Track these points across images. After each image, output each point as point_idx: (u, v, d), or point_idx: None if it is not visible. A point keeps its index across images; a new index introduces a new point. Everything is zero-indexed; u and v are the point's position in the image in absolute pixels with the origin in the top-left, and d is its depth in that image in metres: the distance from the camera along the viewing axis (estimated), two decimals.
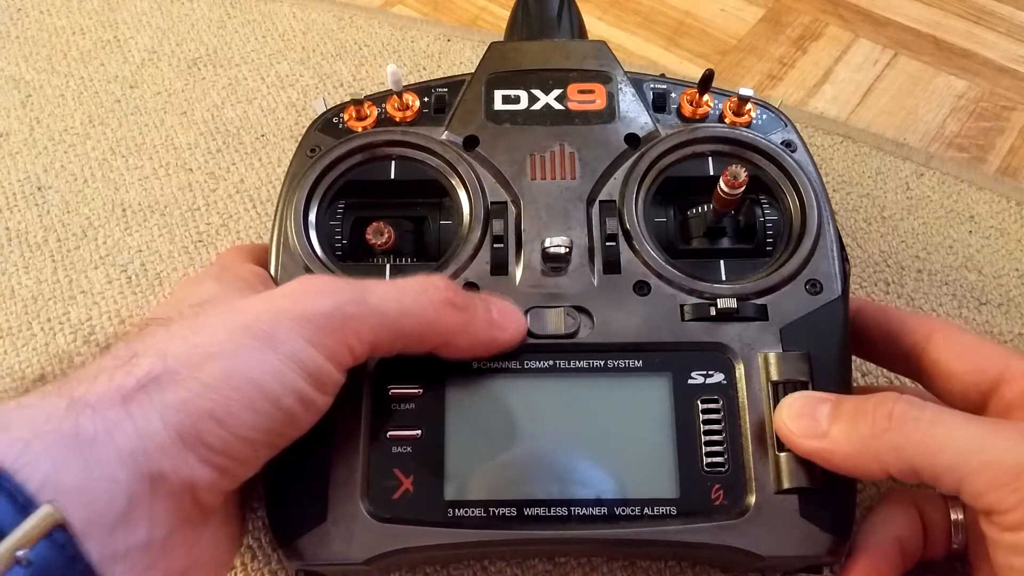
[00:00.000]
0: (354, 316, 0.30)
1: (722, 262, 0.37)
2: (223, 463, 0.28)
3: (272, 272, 0.37)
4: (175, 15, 0.62)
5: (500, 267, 0.36)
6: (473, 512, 0.32)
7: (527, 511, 0.32)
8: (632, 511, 0.33)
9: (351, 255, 0.38)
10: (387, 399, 0.34)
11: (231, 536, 0.33)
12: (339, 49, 0.60)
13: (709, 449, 0.33)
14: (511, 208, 0.38)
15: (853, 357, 0.36)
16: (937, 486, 0.29)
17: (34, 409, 0.26)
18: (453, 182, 0.38)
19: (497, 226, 0.37)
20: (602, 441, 0.34)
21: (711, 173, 0.39)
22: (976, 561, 0.34)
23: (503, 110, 0.40)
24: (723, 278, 0.37)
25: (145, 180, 0.52)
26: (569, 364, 0.35)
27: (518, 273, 0.36)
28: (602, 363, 0.35)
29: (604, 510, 0.33)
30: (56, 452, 0.24)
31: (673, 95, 0.41)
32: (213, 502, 0.29)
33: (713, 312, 0.35)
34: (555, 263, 0.36)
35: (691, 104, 0.40)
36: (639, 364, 0.35)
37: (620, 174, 0.38)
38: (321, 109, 0.41)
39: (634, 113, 0.40)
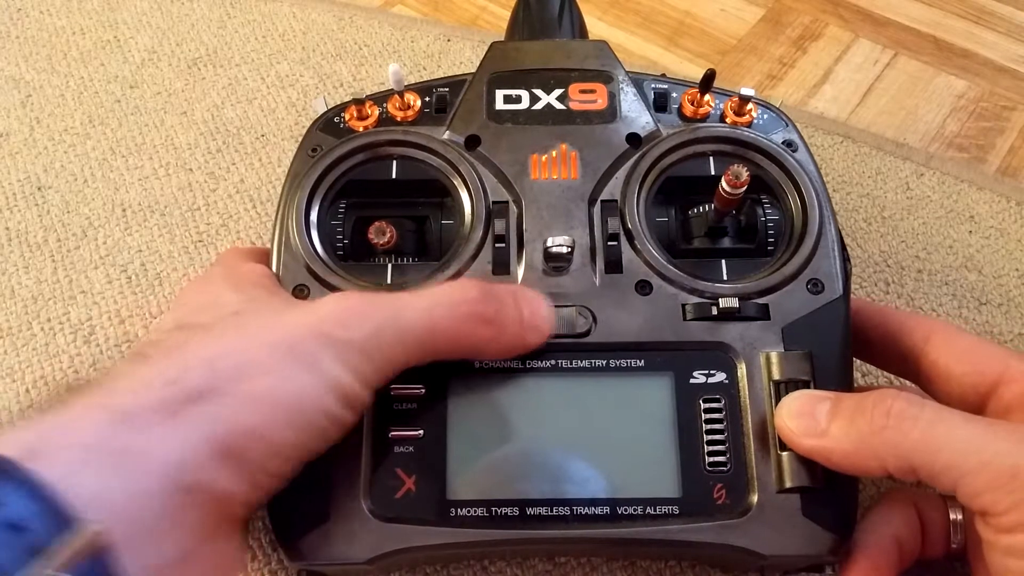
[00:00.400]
0: (390, 343, 0.31)
1: (724, 262, 0.37)
2: (258, 477, 0.28)
3: (274, 271, 0.37)
4: (175, 15, 0.62)
5: (502, 267, 0.36)
6: (475, 512, 0.32)
7: (529, 511, 0.33)
8: (634, 510, 0.33)
9: (352, 255, 0.38)
10: (389, 398, 0.34)
11: (242, 550, 0.33)
12: (339, 49, 0.60)
13: (711, 448, 0.33)
14: (513, 208, 0.38)
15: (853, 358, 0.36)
16: (935, 485, 0.29)
17: (78, 422, 0.26)
18: (455, 182, 0.38)
19: (499, 226, 0.37)
20: (604, 441, 0.34)
21: (712, 173, 0.39)
22: (975, 561, 0.34)
23: (504, 110, 0.40)
24: (725, 278, 0.37)
25: (145, 180, 0.52)
26: (571, 364, 0.35)
27: (520, 273, 0.36)
28: (604, 363, 0.35)
29: (606, 509, 0.33)
30: (103, 469, 0.24)
31: (674, 95, 0.41)
32: (242, 515, 0.29)
33: (715, 312, 0.35)
34: (557, 263, 0.36)
35: (692, 104, 0.40)
36: (641, 364, 0.35)
37: (622, 174, 0.38)
38: (322, 109, 0.41)
39: (635, 113, 0.40)
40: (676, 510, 0.33)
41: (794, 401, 0.32)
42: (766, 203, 0.39)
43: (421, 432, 0.34)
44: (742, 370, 0.34)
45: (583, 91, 0.40)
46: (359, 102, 0.40)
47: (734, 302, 0.35)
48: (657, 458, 0.33)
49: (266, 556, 0.39)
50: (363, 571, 0.33)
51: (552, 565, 0.38)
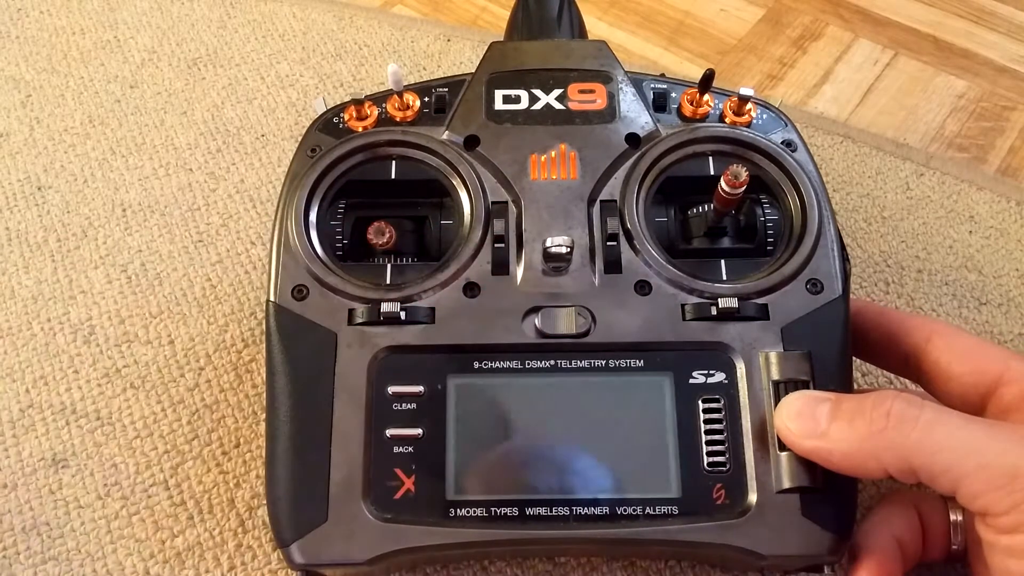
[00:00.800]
0: None
1: (723, 262, 0.37)
2: None
3: (272, 272, 0.37)
4: (175, 15, 0.62)
5: (501, 267, 0.36)
6: (475, 512, 0.32)
7: (529, 510, 0.33)
8: (633, 510, 0.33)
9: (352, 255, 0.38)
10: (388, 399, 0.34)
11: None
12: (339, 49, 0.60)
13: (710, 448, 0.33)
14: (512, 208, 0.38)
15: (853, 358, 0.36)
16: (934, 486, 0.29)
17: None
18: (454, 182, 0.38)
19: (498, 226, 0.37)
20: (603, 441, 0.34)
21: (712, 173, 0.39)
22: (975, 563, 0.34)
23: (504, 110, 0.40)
24: (724, 278, 0.37)
25: (145, 180, 0.52)
26: (570, 364, 0.35)
27: (519, 273, 0.36)
28: (603, 363, 0.35)
29: (605, 509, 0.33)
30: None
31: (673, 95, 0.41)
32: None
33: (714, 312, 0.35)
34: (556, 263, 0.36)
35: (691, 104, 0.40)
36: (640, 364, 0.35)
37: (621, 174, 0.38)
38: (321, 109, 0.41)
39: (635, 113, 0.40)
40: (675, 510, 0.32)
41: (794, 402, 0.32)
42: (765, 203, 0.39)
43: (420, 432, 0.34)
44: (741, 370, 0.34)
45: (582, 91, 0.40)
46: (358, 102, 0.40)
47: (733, 302, 0.35)
48: (656, 458, 0.33)
49: (266, 556, 0.39)
50: (363, 571, 0.33)
51: (552, 565, 0.38)
